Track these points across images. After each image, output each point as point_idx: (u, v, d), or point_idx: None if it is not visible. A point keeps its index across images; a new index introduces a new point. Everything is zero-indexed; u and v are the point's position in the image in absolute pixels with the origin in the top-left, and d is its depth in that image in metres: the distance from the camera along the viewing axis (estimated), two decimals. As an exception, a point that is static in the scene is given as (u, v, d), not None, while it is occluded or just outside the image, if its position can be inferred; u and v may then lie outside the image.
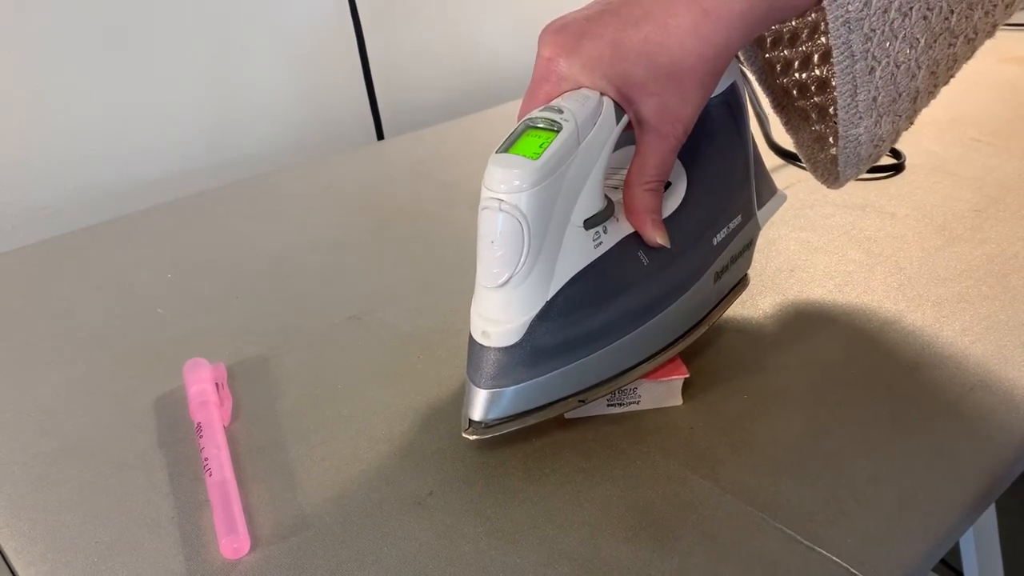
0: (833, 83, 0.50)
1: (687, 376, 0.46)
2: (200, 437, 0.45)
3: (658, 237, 0.43)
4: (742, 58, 0.53)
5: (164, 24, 0.84)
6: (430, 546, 0.39)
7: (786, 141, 0.59)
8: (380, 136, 1.02)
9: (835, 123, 0.51)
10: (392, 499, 0.42)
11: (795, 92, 0.54)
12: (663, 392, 0.46)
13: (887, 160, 0.74)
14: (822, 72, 0.52)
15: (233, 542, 0.38)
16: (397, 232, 0.70)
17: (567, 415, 0.46)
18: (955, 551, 1.04)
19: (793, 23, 0.52)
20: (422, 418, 0.47)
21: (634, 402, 0.46)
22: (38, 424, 0.49)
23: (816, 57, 0.52)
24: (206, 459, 0.43)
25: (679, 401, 0.47)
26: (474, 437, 0.42)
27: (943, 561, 1.20)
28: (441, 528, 0.40)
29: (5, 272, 0.67)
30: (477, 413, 0.42)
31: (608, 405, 0.46)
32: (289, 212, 0.76)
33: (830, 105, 0.52)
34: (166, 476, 0.44)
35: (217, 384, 0.49)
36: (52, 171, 0.81)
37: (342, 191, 0.79)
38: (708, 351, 0.51)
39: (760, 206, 0.52)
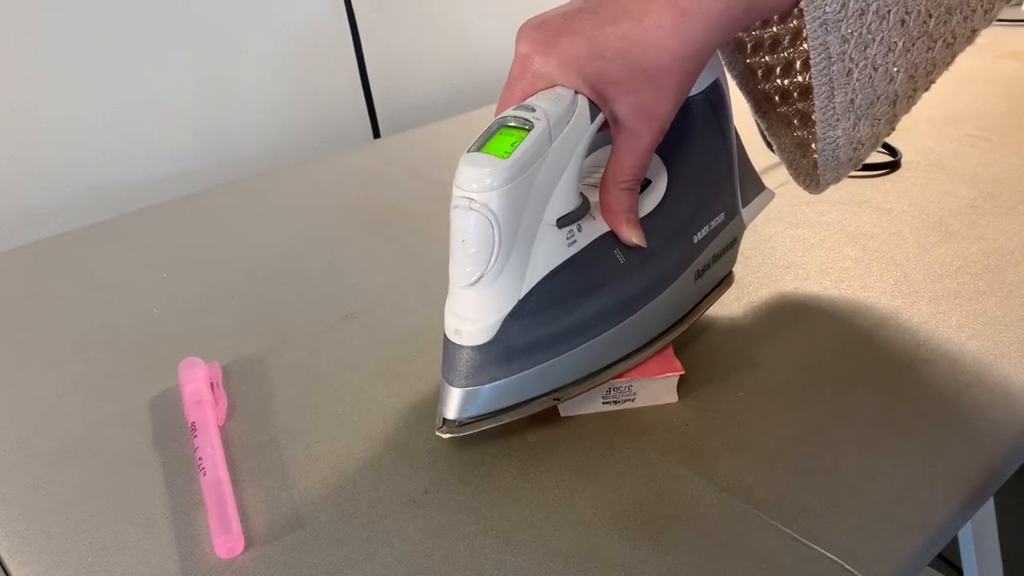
0: None
1: (682, 373, 0.46)
2: (195, 436, 0.45)
3: (634, 237, 0.43)
4: (723, 62, 0.53)
5: (160, 25, 0.84)
6: (425, 545, 0.39)
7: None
8: (376, 135, 1.02)
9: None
10: (387, 498, 0.41)
11: (777, 98, 0.53)
12: (658, 389, 0.46)
13: (884, 157, 0.74)
14: (804, 78, 0.51)
15: (227, 541, 0.38)
16: (393, 231, 0.70)
17: (562, 413, 0.46)
18: (954, 548, 1.04)
19: (774, 29, 0.51)
20: (417, 417, 0.47)
21: (629, 399, 0.46)
22: (33, 424, 0.49)
23: (798, 63, 0.51)
24: (200, 459, 0.43)
25: (674, 398, 0.46)
26: (448, 435, 0.42)
27: (943, 558, 1.20)
28: (436, 526, 0.40)
29: (1, 273, 0.67)
30: (451, 412, 0.42)
31: (603, 403, 0.46)
32: (285, 211, 0.76)
33: (812, 112, 0.52)
34: (161, 476, 0.44)
35: (212, 383, 0.49)
36: (49, 172, 0.81)
37: (338, 190, 0.79)
38: (703, 348, 0.51)
39: (745, 204, 0.51)
